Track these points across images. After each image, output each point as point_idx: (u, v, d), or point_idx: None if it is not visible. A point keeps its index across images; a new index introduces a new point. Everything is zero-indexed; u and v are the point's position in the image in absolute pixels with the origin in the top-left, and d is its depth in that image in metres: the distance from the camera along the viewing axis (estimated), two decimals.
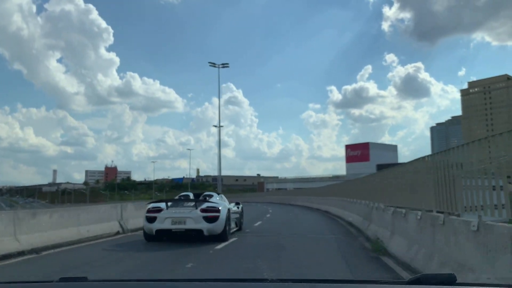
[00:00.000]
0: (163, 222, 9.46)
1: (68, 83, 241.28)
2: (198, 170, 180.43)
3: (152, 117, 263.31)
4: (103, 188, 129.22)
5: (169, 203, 9.95)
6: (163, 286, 1.16)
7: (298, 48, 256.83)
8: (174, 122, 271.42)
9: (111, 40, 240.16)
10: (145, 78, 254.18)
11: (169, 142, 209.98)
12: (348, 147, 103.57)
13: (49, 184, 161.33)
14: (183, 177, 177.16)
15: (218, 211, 9.62)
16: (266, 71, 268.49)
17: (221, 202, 10.47)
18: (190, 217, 9.42)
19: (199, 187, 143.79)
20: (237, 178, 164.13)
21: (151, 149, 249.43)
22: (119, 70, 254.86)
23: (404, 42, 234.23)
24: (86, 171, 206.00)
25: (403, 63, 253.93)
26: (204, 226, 9.37)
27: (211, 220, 9.46)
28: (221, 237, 9.59)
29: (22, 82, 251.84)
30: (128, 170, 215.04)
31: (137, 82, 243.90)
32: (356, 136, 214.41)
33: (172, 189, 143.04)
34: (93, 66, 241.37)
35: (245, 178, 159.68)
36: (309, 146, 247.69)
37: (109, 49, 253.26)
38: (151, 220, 9.59)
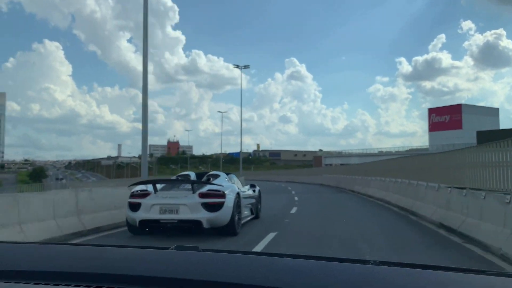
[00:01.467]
0: (149, 211, 7.39)
1: (138, 62, 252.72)
2: (258, 145, 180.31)
3: (217, 94, 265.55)
4: (155, 162, 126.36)
5: (159, 185, 7.85)
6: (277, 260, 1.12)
7: (364, 18, 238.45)
8: (238, 99, 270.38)
9: (176, 18, 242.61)
10: (210, 56, 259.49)
11: (233, 119, 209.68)
12: (432, 112, 77.58)
13: (108, 158, 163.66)
14: (240, 151, 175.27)
15: (222, 195, 7.52)
16: (330, 44, 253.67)
17: (228, 185, 8.21)
18: (185, 204, 7.35)
19: (253, 162, 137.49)
20: (296, 153, 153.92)
21: (216, 126, 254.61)
22: (185, 48, 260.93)
23: (482, 7, 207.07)
24: (150, 146, 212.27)
25: (481, 30, 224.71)
26: (203, 215, 7.29)
27: (213, 207, 7.38)
28: (228, 230, 7.56)
29: (97, 62, 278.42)
30: (190, 145, 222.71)
31: (202, 60, 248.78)
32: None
33: (225, 164, 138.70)
34: (160, 45, 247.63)
35: (304, 153, 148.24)
36: (376, 121, 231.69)
37: (175, 27, 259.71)
38: (134, 207, 7.54)
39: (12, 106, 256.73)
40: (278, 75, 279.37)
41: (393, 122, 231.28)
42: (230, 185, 8.29)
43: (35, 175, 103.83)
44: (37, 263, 1.11)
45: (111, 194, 9.75)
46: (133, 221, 7.51)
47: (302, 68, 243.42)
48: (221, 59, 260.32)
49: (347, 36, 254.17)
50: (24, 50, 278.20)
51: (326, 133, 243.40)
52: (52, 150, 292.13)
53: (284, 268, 1.04)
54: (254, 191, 10.17)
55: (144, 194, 7.59)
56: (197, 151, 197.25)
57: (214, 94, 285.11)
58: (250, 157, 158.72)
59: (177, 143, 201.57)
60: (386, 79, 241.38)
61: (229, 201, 7.57)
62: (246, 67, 45.25)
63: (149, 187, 7.70)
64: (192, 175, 9.22)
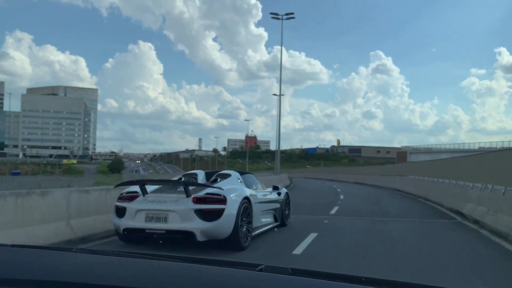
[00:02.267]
0: (134, 218, 6.29)
1: (222, 60, 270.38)
2: (338, 141, 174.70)
3: (298, 89, 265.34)
4: (227, 156, 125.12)
5: (151, 187, 6.67)
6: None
7: (457, 6, 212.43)
8: (319, 94, 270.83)
9: (259, 15, 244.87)
10: (291, 51, 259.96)
11: (314, 114, 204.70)
12: None
13: (186, 151, 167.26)
14: (317, 146, 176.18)
15: (222, 200, 6.20)
16: (419, 35, 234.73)
17: (235, 187, 6.93)
18: (174, 211, 6.13)
19: (329, 158, 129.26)
20: (378, 150, 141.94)
21: (297, 121, 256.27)
22: (267, 45, 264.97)
23: None
24: (228, 140, 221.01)
25: None
26: (196, 225, 6.05)
27: (209, 215, 6.12)
28: (230, 243, 6.27)
29: (185, 61, 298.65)
30: (267, 140, 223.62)
31: (283, 56, 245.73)
32: None
33: (299, 159, 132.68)
34: (243, 43, 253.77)
35: (388, 149, 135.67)
36: (470, 117, 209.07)
37: (258, 24, 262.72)
38: (120, 212, 6.47)
39: (110, 103, 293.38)
40: (362, 69, 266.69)
41: (490, 118, 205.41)
42: (238, 188, 6.98)
43: (114, 166, 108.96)
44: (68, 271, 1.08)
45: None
46: (119, 228, 6.44)
47: (388, 61, 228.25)
48: (303, 54, 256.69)
49: (437, 25, 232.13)
50: (121, 51, 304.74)
51: (413, 129, 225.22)
52: (145, 144, 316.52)
53: None
54: (279, 194, 8.87)
55: (132, 197, 6.48)
56: (275, 147, 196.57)
57: (295, 89, 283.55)
58: (327, 153, 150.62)
59: (254, 137, 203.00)
60: (482, 71, 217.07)
61: (232, 207, 6.26)
62: (289, 16, 35.27)
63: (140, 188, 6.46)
64: (201, 175, 7.76)
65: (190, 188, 6.33)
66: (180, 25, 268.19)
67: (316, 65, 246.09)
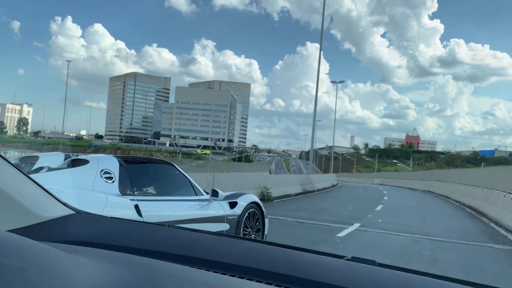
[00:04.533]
0: None
1: (391, 57, 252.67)
2: None
3: (479, 87, 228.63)
4: (365, 154, 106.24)
5: None
6: None
7: None
8: (506, 92, 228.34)
9: (434, 7, 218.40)
10: (472, 44, 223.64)
11: (499, 115, 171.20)
12: None
13: (325, 148, 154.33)
14: (495, 149, 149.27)
15: None
16: None
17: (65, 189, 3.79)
18: None
19: (501, 162, 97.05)
20: None
21: (476, 123, 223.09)
22: (442, 38, 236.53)
23: None
24: (385, 138, 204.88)
25: None
26: None
27: None
28: None
29: (351, 59, 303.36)
30: (433, 141, 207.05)
31: (462, 49, 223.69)
32: None
33: (466, 162, 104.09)
34: (415, 37, 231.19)
35: None
36: None
37: (432, 16, 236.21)
38: None
39: (278, 102, 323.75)
40: None
41: None
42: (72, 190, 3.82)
43: (241, 158, 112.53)
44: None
45: None
46: None
47: None
48: (486, 46, 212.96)
49: None
50: (290, 53, 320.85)
51: None
52: (307, 141, 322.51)
53: None
54: (232, 205, 5.29)
55: None
56: (444, 148, 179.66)
57: (476, 87, 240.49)
58: (510, 157, 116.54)
59: (417, 137, 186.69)
60: None
61: None
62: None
63: None
64: (50, 158, 4.59)
65: None
66: (347, 23, 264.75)
67: (504, 59, 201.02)
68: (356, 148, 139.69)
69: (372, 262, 1.12)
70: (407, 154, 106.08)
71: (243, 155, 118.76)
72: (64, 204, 1.37)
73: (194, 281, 0.86)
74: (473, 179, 19.30)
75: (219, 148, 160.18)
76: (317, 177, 25.48)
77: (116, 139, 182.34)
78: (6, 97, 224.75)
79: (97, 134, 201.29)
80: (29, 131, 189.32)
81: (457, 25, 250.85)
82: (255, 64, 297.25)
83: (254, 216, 5.53)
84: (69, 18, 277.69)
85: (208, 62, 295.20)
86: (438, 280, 1.01)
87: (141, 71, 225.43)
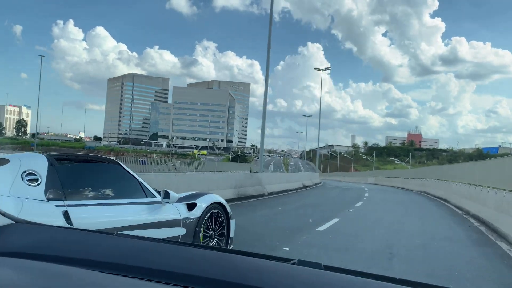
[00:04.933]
0: None
1: (392, 56, 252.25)
2: None
3: (481, 85, 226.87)
4: (364, 153, 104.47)
5: None
6: None
7: None
8: (509, 90, 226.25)
9: (435, 5, 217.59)
10: (474, 42, 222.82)
11: (502, 113, 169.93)
12: None
13: (325, 147, 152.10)
14: (499, 146, 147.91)
15: None
16: None
17: None
18: None
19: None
20: None
21: (479, 121, 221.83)
22: (444, 36, 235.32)
23: None
24: (387, 137, 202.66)
25: None
26: None
27: None
28: None
29: (352, 59, 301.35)
30: (435, 139, 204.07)
31: (463, 47, 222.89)
32: None
33: (469, 161, 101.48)
34: (416, 36, 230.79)
35: None
36: None
37: (434, 15, 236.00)
38: None
39: (280, 103, 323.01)
40: None
41: None
42: None
43: (236, 158, 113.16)
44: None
45: None
46: None
47: None
48: (488, 44, 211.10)
49: None
50: (291, 53, 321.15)
51: None
52: (310, 142, 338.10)
53: None
54: (190, 207, 5.00)
55: None
56: (447, 146, 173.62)
57: (478, 85, 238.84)
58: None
59: (419, 135, 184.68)
60: None
61: None
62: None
63: None
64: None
65: None
66: (348, 22, 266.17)
67: (506, 56, 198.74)
68: (355, 146, 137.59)
69: (317, 265, 1.09)
70: (408, 152, 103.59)
71: (238, 155, 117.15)
72: (3, 214, 1.37)
73: None
74: (480, 176, 14.48)
75: (218, 148, 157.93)
76: (273, 176, 21.29)
77: (114, 141, 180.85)
78: (8, 99, 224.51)
79: (95, 136, 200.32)
80: (28, 132, 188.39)
81: (459, 23, 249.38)
82: (256, 65, 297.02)
83: (218, 218, 5.20)
84: (71, 21, 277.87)
85: (209, 64, 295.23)
86: (378, 282, 1.02)
87: (143, 73, 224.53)
